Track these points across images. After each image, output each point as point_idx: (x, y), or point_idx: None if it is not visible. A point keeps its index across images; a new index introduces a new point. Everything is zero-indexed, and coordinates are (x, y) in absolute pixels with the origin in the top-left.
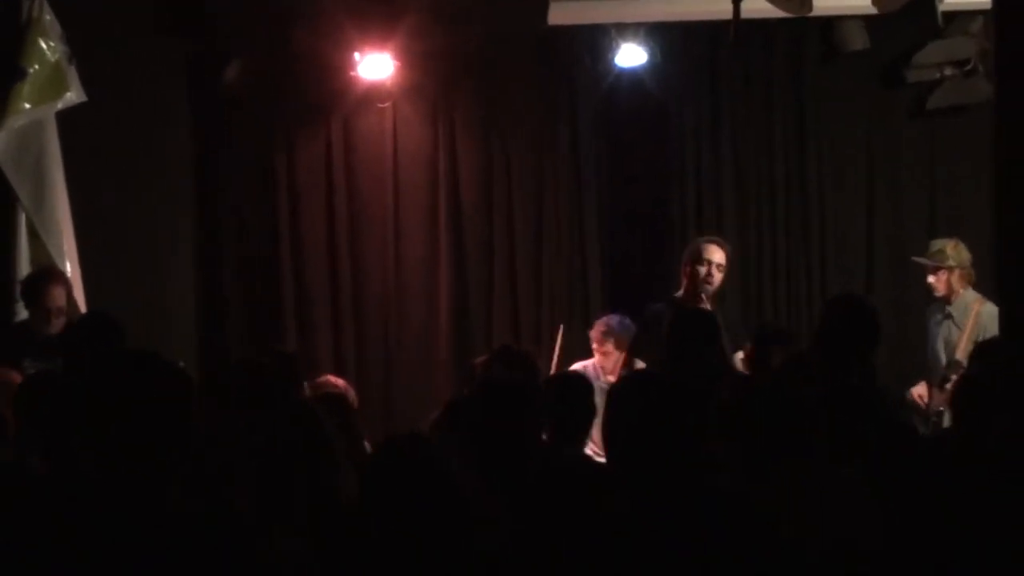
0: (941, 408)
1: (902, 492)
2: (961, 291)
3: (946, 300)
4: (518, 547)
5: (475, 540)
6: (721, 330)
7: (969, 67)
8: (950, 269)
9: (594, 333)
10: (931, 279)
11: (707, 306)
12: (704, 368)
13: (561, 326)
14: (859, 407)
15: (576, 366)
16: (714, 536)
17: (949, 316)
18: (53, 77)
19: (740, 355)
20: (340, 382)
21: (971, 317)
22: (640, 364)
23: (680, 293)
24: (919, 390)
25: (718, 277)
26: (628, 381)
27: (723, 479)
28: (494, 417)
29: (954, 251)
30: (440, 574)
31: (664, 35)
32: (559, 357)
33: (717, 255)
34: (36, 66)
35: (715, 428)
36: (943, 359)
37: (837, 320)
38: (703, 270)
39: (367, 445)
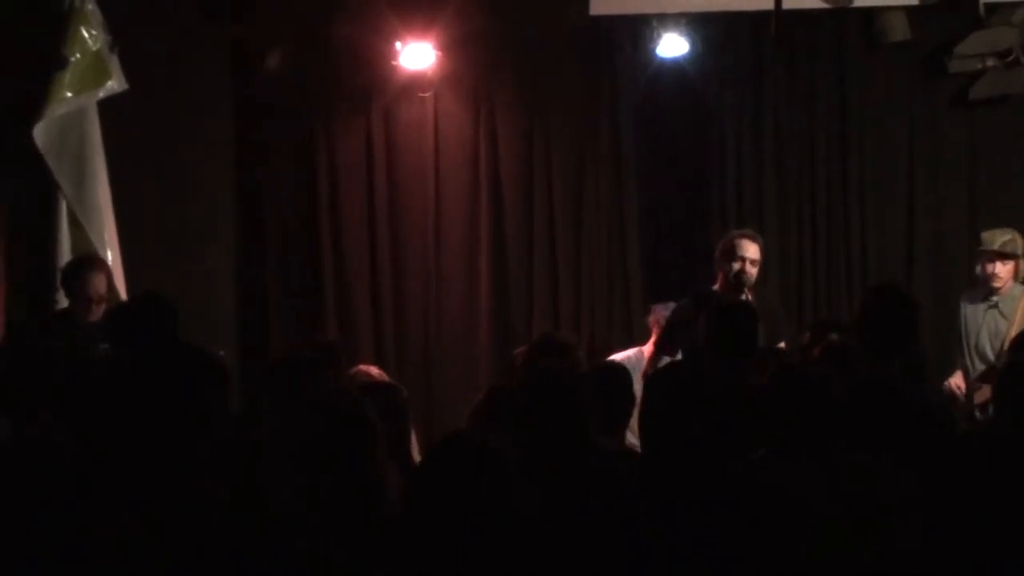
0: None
1: (935, 482)
2: (1013, 282)
3: (993, 291)
4: (556, 539)
5: (520, 541)
6: (759, 321)
7: (1011, 58)
8: (1017, 259)
9: (655, 318)
10: (995, 268)
11: (747, 297)
12: (744, 359)
13: None
14: (892, 396)
15: (617, 356)
16: (744, 529)
17: (995, 306)
18: (95, 65)
19: (782, 345)
20: (374, 370)
21: (1020, 309)
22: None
23: (716, 287)
24: (956, 380)
25: (753, 272)
26: (664, 372)
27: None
28: (541, 406)
29: (1021, 241)
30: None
31: (706, 25)
32: None
33: (751, 250)
34: (78, 55)
35: (748, 412)
36: (990, 353)
37: (875, 308)
38: (737, 266)
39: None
